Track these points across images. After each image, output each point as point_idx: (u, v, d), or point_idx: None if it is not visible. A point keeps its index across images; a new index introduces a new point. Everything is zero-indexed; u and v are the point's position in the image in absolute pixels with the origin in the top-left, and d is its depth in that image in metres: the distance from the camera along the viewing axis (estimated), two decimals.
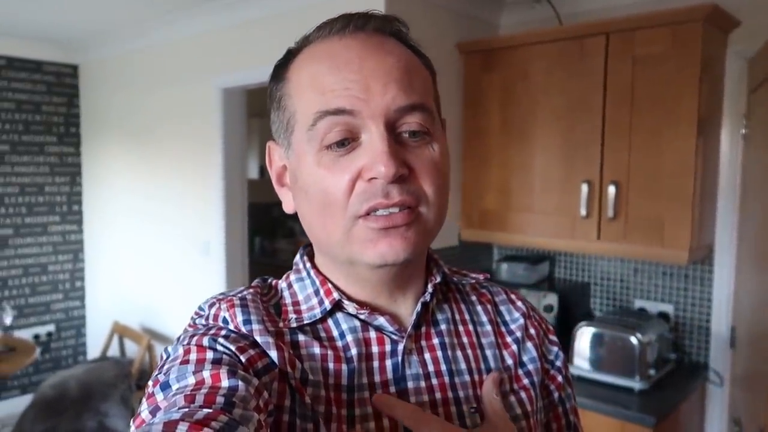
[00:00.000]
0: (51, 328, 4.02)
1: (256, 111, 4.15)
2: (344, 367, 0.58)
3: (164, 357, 0.57)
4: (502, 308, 0.72)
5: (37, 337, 3.94)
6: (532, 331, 0.71)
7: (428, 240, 0.60)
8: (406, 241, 0.56)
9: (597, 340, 2.12)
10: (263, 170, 4.63)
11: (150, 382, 0.53)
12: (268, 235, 4.88)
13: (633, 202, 2.10)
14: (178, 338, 0.59)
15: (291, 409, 0.55)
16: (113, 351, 3.74)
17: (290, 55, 0.63)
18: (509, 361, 0.67)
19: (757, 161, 2.11)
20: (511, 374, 0.66)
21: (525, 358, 0.68)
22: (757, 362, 2.08)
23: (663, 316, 2.35)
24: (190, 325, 0.61)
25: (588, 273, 2.59)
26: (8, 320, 3.27)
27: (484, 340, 0.67)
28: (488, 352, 0.67)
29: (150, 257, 3.57)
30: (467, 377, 0.63)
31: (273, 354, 0.56)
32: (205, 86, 3.01)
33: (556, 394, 0.71)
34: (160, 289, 3.52)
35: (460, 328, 0.66)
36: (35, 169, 3.88)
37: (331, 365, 0.58)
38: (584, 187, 2.18)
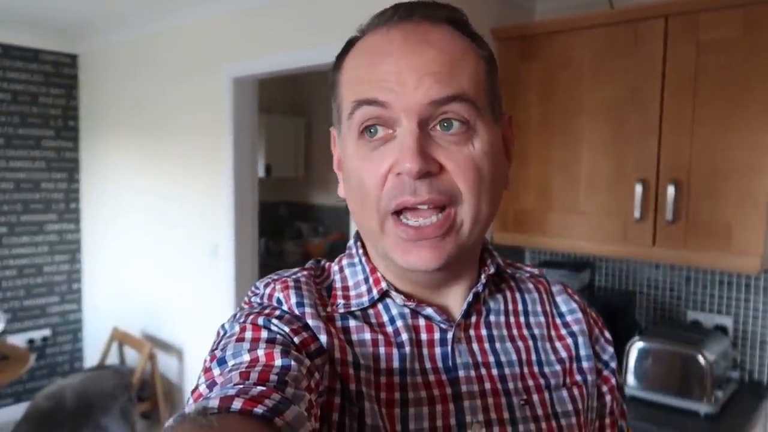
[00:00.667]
0: (46, 332, 3.80)
1: (264, 106, 3.93)
2: (395, 351, 0.59)
3: (221, 333, 0.59)
4: (559, 299, 0.71)
5: (31, 341, 3.72)
6: (587, 327, 0.69)
7: (466, 245, 0.59)
8: (438, 251, 0.56)
9: (654, 357, 1.90)
10: (269, 168, 4.41)
11: (207, 357, 0.55)
12: (274, 235, 4.67)
13: (695, 204, 1.88)
14: (234, 315, 0.60)
15: (342, 392, 0.56)
16: (112, 358, 3.53)
17: (349, 45, 0.63)
18: (563, 354, 0.66)
19: None
20: (565, 368, 0.65)
21: (581, 353, 0.67)
22: None
23: (721, 329, 2.13)
24: (245, 303, 0.63)
25: (633, 281, 2.37)
26: (0, 326, 3.06)
27: (536, 331, 0.66)
28: (539, 344, 0.65)
29: (152, 259, 3.36)
30: (517, 369, 0.62)
31: (323, 338, 0.57)
32: (213, 76, 2.80)
33: (608, 397, 0.70)
34: (163, 293, 3.31)
35: (512, 319, 0.66)
36: (31, 164, 3.66)
37: (381, 350, 0.59)
38: (638, 187, 1.96)
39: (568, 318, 0.69)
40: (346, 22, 2.45)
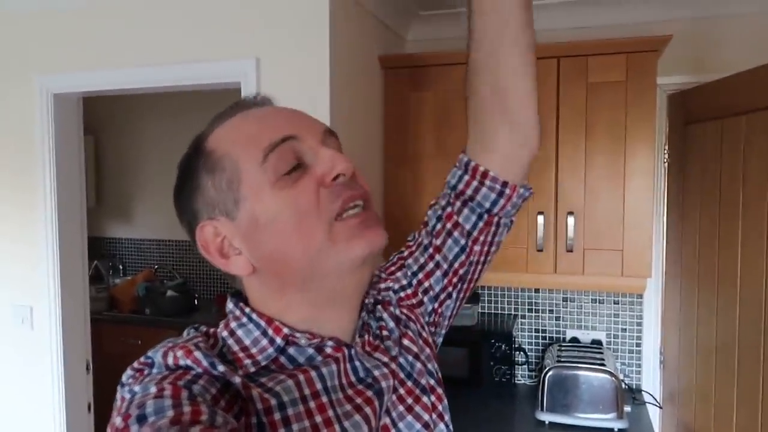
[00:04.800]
0: None
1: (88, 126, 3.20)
2: (314, 374, 0.61)
3: (126, 398, 0.54)
4: (396, 311, 0.77)
5: None
6: (398, 306, 0.78)
7: None
8: (383, 233, 0.62)
9: (566, 383, 1.99)
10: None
11: (116, 420, 0.51)
12: None
13: (590, 233, 2.03)
14: (142, 380, 0.55)
15: None
16: None
17: (200, 140, 0.65)
18: (414, 348, 0.74)
19: (682, 192, 2.23)
20: (420, 359, 0.73)
21: (418, 333, 0.76)
22: (684, 379, 2.18)
23: (597, 343, 2.34)
24: (132, 379, 0.56)
25: (515, 306, 2.47)
26: None
27: (404, 341, 0.74)
28: (410, 346, 0.74)
29: None
30: (418, 363, 0.72)
31: (244, 391, 0.57)
32: (26, 89, 2.15)
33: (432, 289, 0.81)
34: None
35: (384, 332, 0.73)
36: None
37: (301, 377, 0.60)
38: (540, 219, 2.05)
39: (406, 321, 0.77)
40: (177, 43, 2.03)
